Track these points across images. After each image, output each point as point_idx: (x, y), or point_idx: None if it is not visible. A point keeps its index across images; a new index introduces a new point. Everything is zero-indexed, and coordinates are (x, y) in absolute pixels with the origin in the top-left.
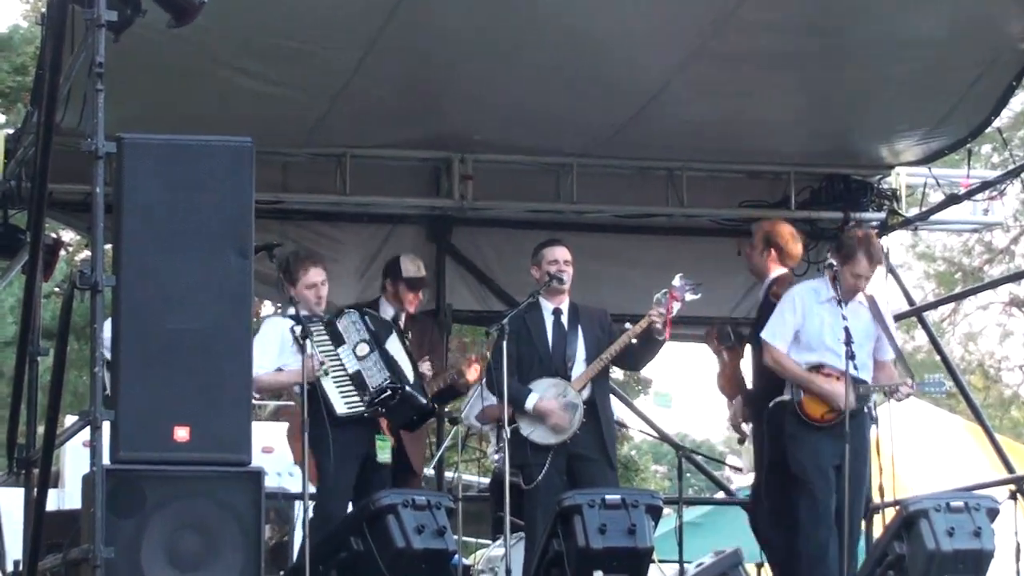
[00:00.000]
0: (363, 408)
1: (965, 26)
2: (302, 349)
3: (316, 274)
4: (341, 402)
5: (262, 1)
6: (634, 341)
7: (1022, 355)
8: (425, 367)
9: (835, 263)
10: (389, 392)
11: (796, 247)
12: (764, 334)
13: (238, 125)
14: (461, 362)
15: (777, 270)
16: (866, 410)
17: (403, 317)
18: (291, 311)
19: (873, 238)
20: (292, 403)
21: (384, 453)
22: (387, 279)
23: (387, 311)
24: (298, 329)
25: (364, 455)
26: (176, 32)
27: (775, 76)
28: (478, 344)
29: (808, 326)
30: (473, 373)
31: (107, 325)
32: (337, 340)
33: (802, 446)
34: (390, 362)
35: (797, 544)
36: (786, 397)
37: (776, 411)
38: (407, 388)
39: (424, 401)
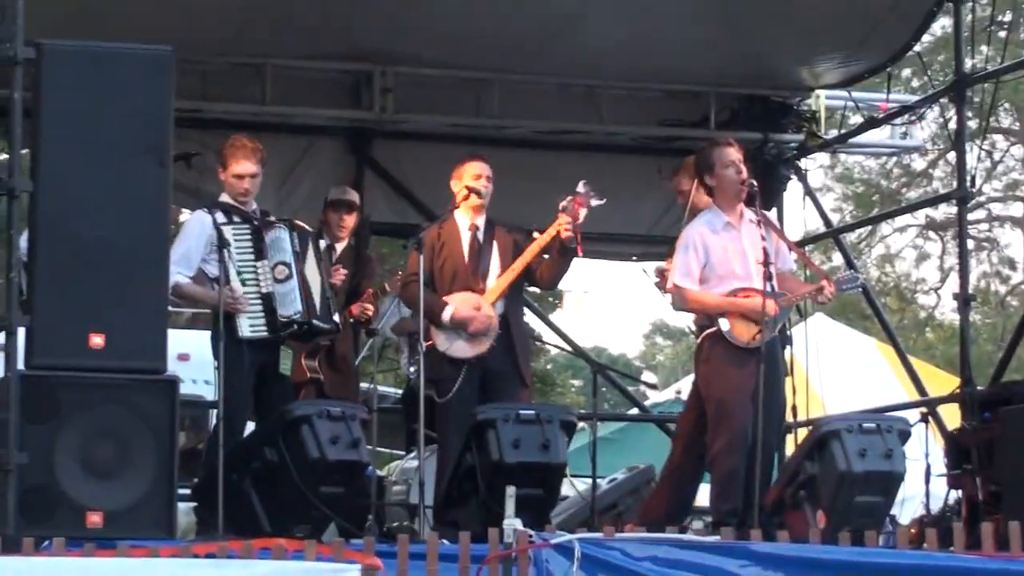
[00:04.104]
0: (265, 334)
1: None
2: (220, 259)
3: (247, 166)
4: (246, 323)
5: None
6: (545, 256)
7: (937, 278)
8: (338, 277)
9: (708, 182)
10: (295, 326)
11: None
12: (674, 279)
13: (159, 33)
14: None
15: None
16: (777, 332)
17: (338, 249)
18: (218, 212)
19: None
20: (208, 311)
21: (284, 364)
22: (322, 210)
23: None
24: (226, 230)
25: (262, 365)
26: None
27: None
28: (395, 256)
29: (712, 260)
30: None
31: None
32: (259, 253)
33: (719, 370)
34: (305, 290)
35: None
36: (713, 328)
37: (706, 343)
38: (313, 321)
39: (327, 327)
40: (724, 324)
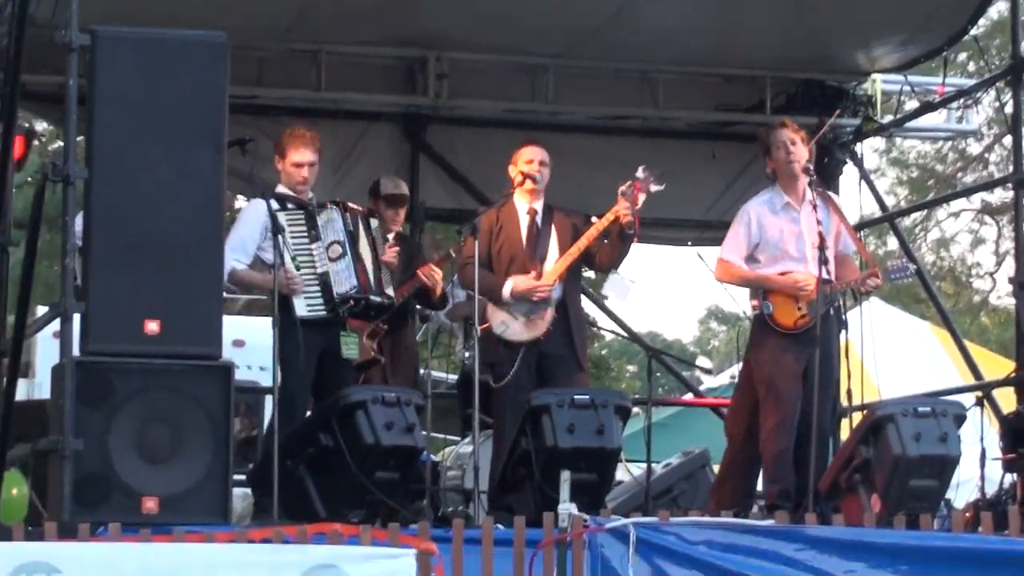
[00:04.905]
0: (323, 312)
1: None
2: (275, 245)
3: (306, 154)
4: (303, 303)
5: None
6: (605, 241)
7: (992, 262)
8: (391, 255)
9: (768, 163)
10: (352, 302)
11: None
12: (720, 253)
13: (215, 21)
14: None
15: None
16: (833, 313)
17: (388, 238)
18: (273, 199)
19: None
20: (264, 296)
21: (350, 349)
22: (370, 199)
23: None
24: (280, 216)
25: (322, 350)
26: None
27: None
28: (450, 241)
29: (767, 239)
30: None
31: (79, 216)
32: (313, 234)
33: (769, 353)
34: (360, 266)
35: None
36: (759, 310)
37: (756, 327)
38: (370, 297)
39: (381, 300)
40: (767, 307)
